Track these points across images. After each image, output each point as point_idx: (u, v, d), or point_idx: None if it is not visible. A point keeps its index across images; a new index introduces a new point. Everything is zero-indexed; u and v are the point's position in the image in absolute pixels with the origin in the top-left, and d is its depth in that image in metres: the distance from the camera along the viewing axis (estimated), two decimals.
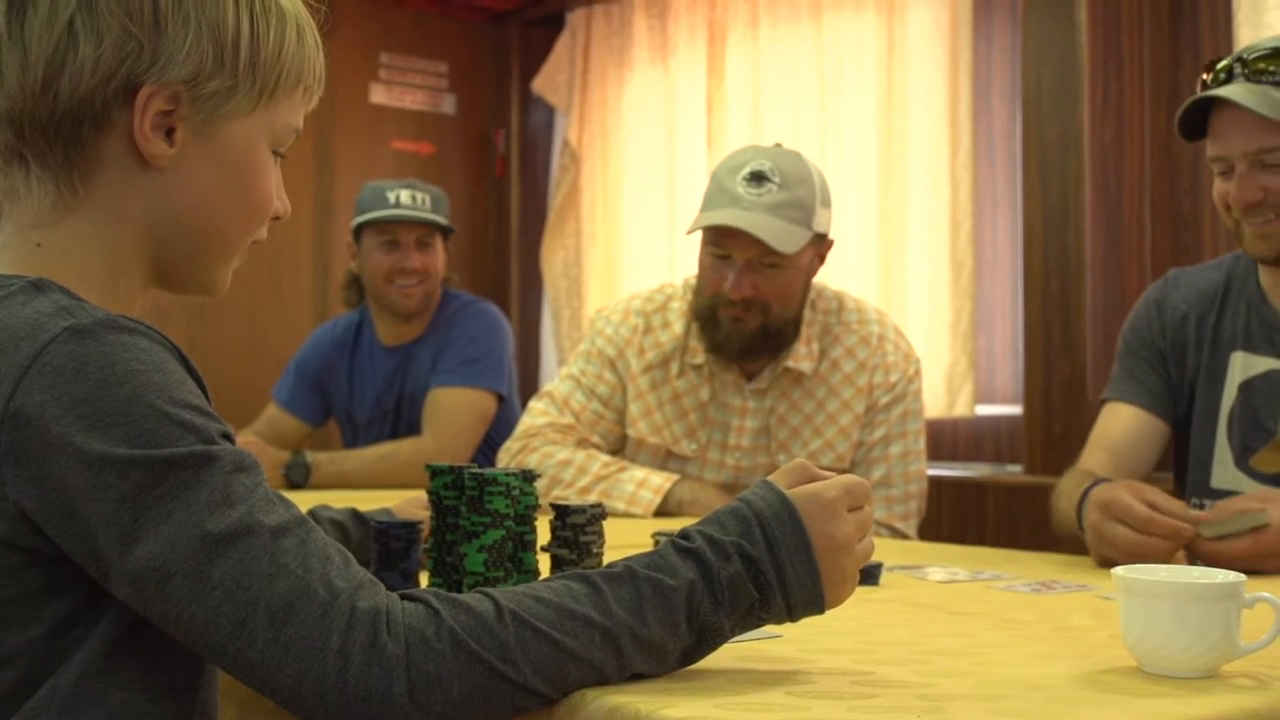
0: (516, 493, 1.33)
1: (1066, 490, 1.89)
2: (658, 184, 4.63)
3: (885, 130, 3.96)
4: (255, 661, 0.95)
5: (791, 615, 1.07)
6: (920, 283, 3.80)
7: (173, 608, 0.96)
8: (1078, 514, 1.79)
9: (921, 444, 2.42)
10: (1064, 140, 3.38)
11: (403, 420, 3.19)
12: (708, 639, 1.05)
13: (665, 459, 2.42)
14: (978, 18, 3.83)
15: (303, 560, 0.97)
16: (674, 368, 2.42)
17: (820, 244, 2.34)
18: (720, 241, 2.26)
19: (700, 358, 2.40)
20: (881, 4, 4.02)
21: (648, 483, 2.31)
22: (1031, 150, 3.44)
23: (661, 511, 2.29)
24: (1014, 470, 3.52)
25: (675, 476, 2.33)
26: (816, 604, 1.07)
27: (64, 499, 0.96)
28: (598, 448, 2.44)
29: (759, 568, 1.05)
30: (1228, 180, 1.85)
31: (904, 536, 2.35)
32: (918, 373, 2.43)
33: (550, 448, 2.40)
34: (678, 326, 2.43)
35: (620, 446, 2.48)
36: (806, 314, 2.39)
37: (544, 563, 1.37)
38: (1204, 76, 1.87)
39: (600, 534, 1.36)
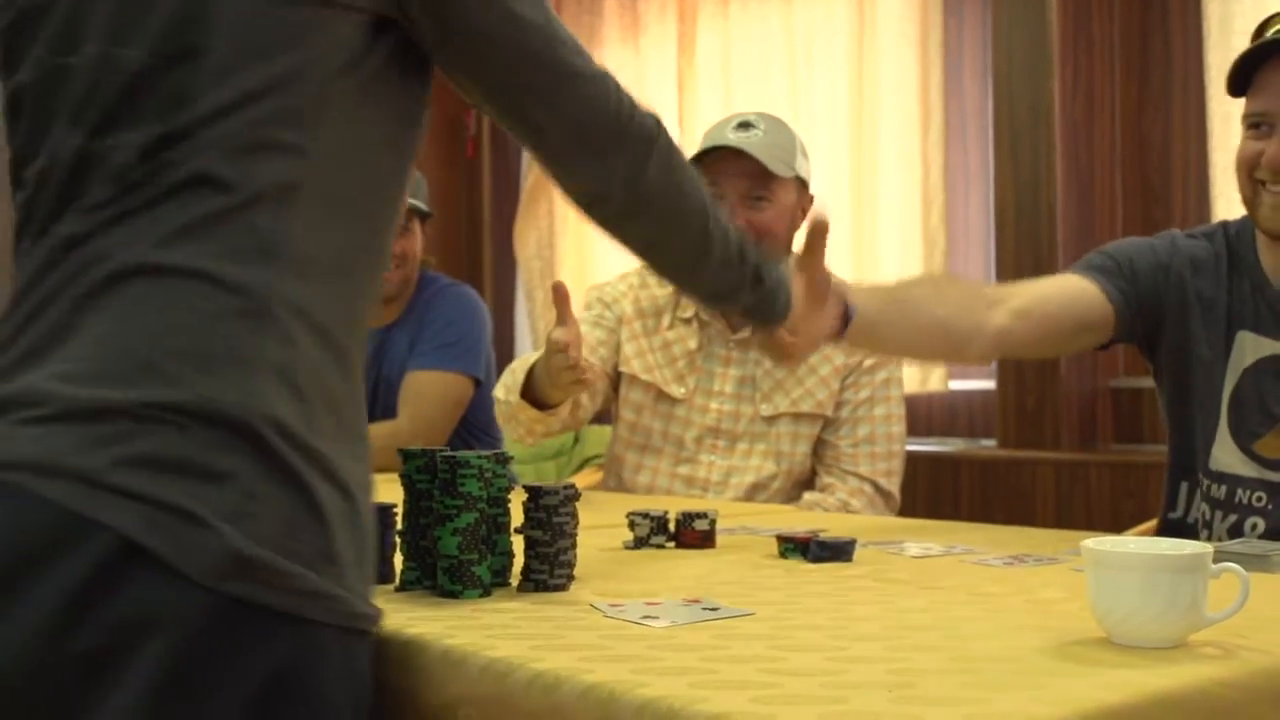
0: (489, 475, 1.34)
1: None
2: None
3: (856, 108, 3.96)
4: None
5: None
6: (893, 261, 3.81)
7: None
8: None
9: (902, 410, 2.49)
10: (1034, 117, 3.39)
11: (379, 404, 3.18)
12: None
13: (656, 398, 2.50)
14: None
15: None
16: (665, 320, 2.53)
17: (803, 195, 2.48)
18: (714, 179, 2.37)
19: (690, 311, 2.51)
20: None
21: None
22: (1002, 127, 3.46)
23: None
24: (988, 445, 3.54)
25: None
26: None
27: None
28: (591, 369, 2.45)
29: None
30: (1261, 139, 1.77)
31: (888, 494, 2.42)
32: None
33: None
34: (666, 286, 2.54)
35: (614, 374, 2.54)
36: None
37: (518, 544, 1.37)
38: (1254, 36, 1.80)
39: (574, 515, 1.37)
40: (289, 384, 1.05)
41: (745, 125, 2.42)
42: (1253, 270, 1.87)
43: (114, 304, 1.05)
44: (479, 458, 1.33)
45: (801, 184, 2.46)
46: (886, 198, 3.85)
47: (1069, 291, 1.92)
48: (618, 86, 1.27)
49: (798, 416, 2.42)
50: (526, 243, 4.90)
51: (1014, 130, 3.43)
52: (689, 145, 4.04)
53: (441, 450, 1.36)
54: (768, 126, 2.43)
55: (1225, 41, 3.24)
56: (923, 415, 3.78)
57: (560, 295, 1.94)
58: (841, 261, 3.89)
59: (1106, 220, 3.42)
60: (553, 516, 1.35)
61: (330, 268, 1.11)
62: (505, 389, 2.29)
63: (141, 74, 1.08)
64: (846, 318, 1.73)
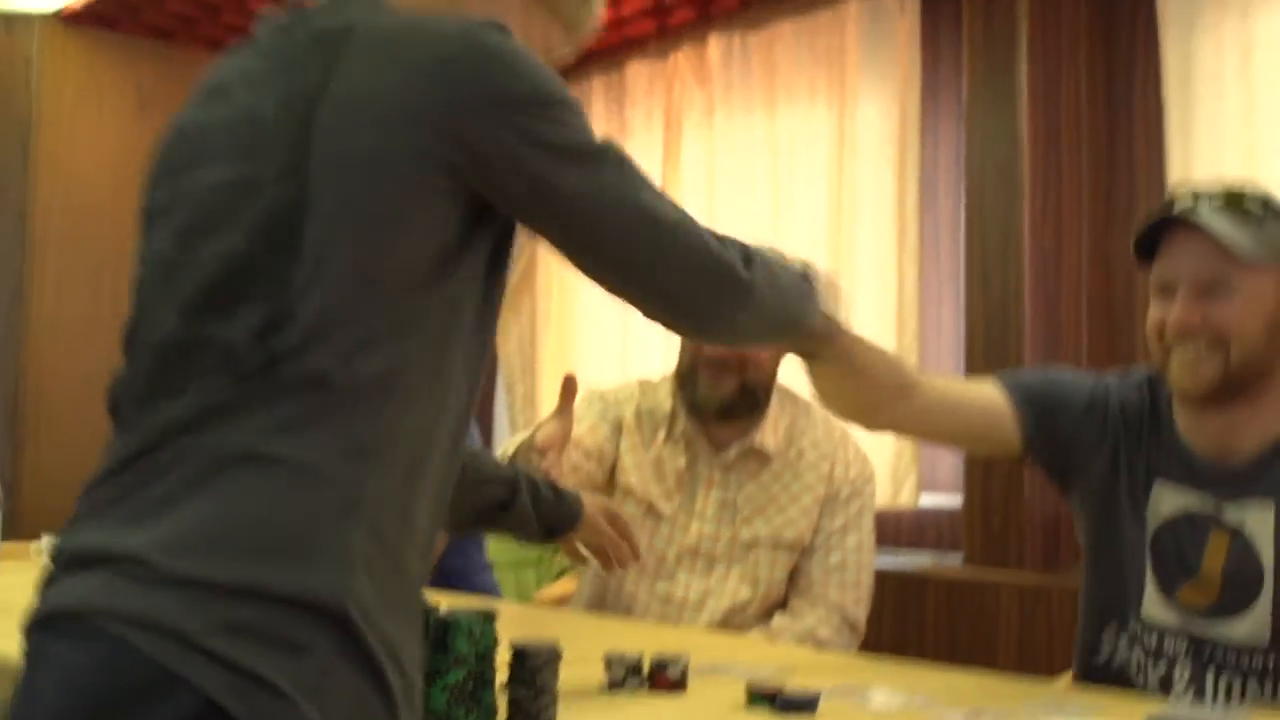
0: (477, 633, 1.42)
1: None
2: None
3: (835, 220, 4.08)
4: None
5: None
6: None
7: None
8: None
9: (872, 540, 2.58)
10: (1005, 242, 3.51)
11: None
12: None
13: (646, 512, 2.55)
14: (925, 114, 3.97)
15: None
16: (661, 434, 2.58)
17: None
18: None
19: (680, 428, 2.56)
20: (833, 97, 4.16)
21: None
22: (974, 251, 3.57)
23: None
24: (955, 559, 3.62)
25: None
26: None
27: None
28: (576, 444, 2.49)
29: None
30: (1166, 305, 1.86)
31: (854, 623, 2.49)
32: (873, 477, 2.60)
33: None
34: (666, 404, 2.60)
35: (611, 471, 2.57)
36: (777, 405, 2.56)
37: (502, 700, 1.45)
38: (1174, 202, 1.88)
39: (555, 673, 1.45)
40: (371, 570, 1.14)
41: None
42: (1168, 425, 1.95)
43: (220, 487, 1.13)
44: (468, 617, 1.41)
45: None
46: (863, 309, 3.95)
47: (981, 404, 2.00)
48: (706, 242, 1.32)
49: (777, 544, 2.49)
50: (508, 338, 4.99)
51: (985, 254, 3.54)
52: None
53: (433, 609, 1.44)
54: None
55: (1186, 174, 3.37)
56: (891, 529, 3.87)
57: (569, 388, 1.96)
58: None
59: (1072, 345, 3.53)
60: (536, 677, 1.43)
61: (420, 453, 1.20)
62: (501, 453, 2.33)
63: (245, 262, 1.17)
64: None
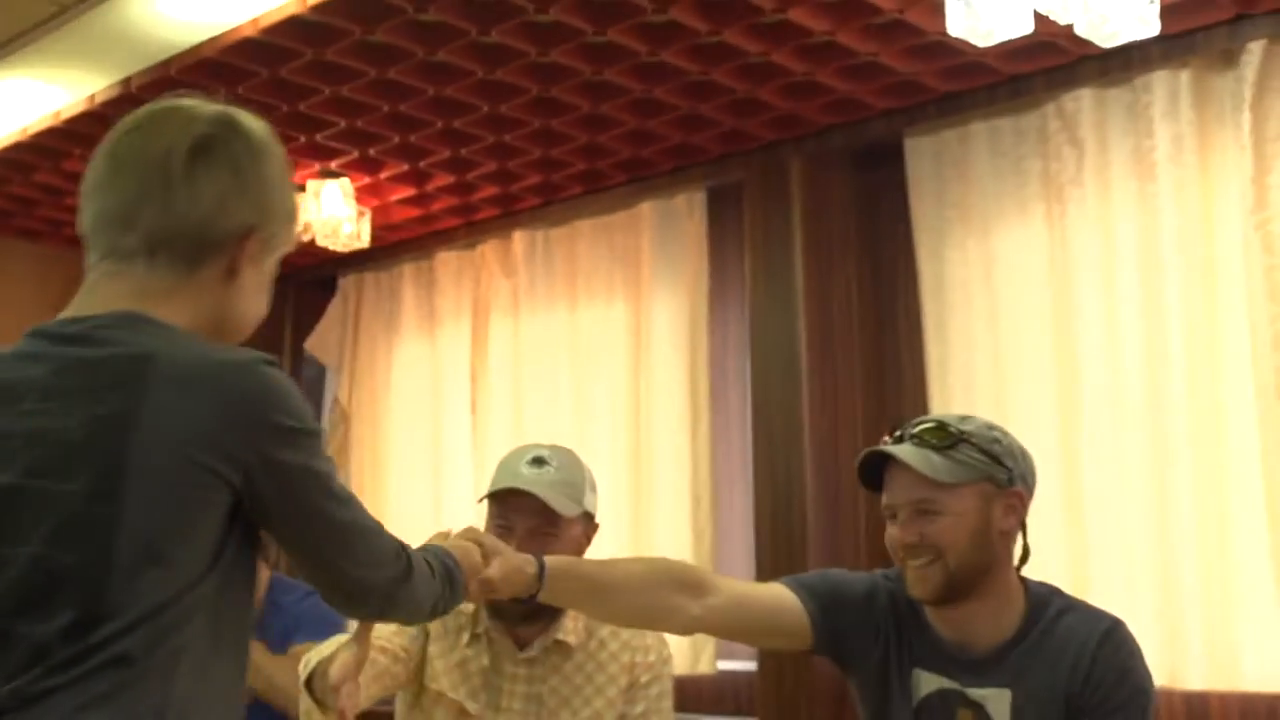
0: None
1: None
2: (423, 446, 4.94)
3: (633, 408, 4.38)
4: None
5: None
6: (665, 546, 4.18)
7: None
8: None
9: (672, 718, 2.78)
10: (787, 427, 3.86)
11: None
12: None
13: (457, 715, 2.64)
14: (714, 310, 4.34)
15: None
16: (465, 637, 2.67)
17: (588, 524, 2.68)
18: (504, 513, 2.58)
19: (482, 627, 2.66)
20: (629, 292, 4.50)
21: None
22: (760, 436, 3.92)
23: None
24: None
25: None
26: None
27: None
28: (383, 650, 2.59)
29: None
30: (894, 525, 2.18)
31: None
32: (671, 659, 2.80)
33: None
34: (469, 604, 2.62)
35: (416, 675, 2.65)
36: None
37: None
38: (885, 437, 2.23)
39: None
40: None
41: (539, 461, 2.61)
42: (923, 616, 2.25)
43: None
44: None
45: (588, 516, 2.66)
46: (661, 491, 4.25)
47: (771, 601, 2.26)
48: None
49: None
50: None
51: (770, 438, 3.89)
52: (481, 442, 4.33)
53: None
54: (560, 463, 2.62)
55: (943, 366, 3.80)
56: (691, 694, 4.12)
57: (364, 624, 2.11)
58: (618, 550, 4.25)
59: (850, 522, 3.88)
60: None
61: (207, 706, 1.43)
62: (303, 664, 2.40)
63: (53, 568, 1.35)
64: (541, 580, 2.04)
